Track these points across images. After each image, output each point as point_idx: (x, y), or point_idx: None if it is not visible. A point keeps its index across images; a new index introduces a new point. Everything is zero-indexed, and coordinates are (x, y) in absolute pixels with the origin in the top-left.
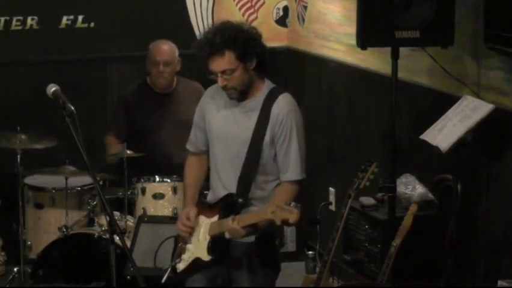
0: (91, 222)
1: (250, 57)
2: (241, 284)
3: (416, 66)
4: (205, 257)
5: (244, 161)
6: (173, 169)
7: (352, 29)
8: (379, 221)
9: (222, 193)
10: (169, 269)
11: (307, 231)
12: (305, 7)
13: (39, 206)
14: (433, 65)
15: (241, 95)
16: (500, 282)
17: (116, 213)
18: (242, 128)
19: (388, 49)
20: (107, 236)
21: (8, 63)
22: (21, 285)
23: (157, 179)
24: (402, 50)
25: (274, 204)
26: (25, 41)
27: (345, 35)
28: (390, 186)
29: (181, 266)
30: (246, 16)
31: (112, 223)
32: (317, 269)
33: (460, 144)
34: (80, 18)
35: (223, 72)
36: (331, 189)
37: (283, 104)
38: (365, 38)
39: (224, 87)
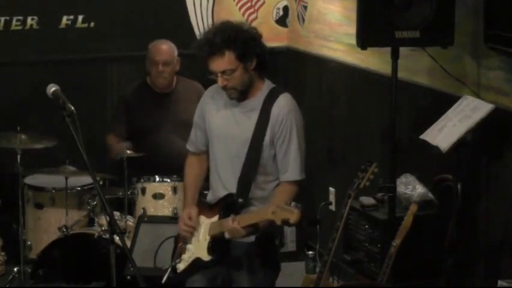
0: (91, 222)
1: (250, 57)
2: (241, 284)
3: (416, 66)
4: (205, 257)
5: (244, 161)
6: (173, 169)
7: (352, 29)
8: (379, 221)
9: (222, 193)
10: (169, 269)
11: (308, 231)
12: (305, 7)
13: (39, 206)
14: (433, 65)
15: (241, 95)
16: (500, 282)
17: (116, 213)
18: (242, 128)
19: (388, 49)
20: (107, 236)
21: (8, 63)
22: (21, 285)
23: (157, 179)
24: (402, 50)
25: (275, 204)
26: (25, 41)
27: (345, 35)
28: (390, 186)
29: (181, 266)
30: (246, 16)
31: (112, 223)
32: (317, 269)
33: (460, 144)
34: (80, 18)
35: (223, 72)
36: (331, 189)
37: (284, 104)
38: (365, 38)
39: (224, 87)
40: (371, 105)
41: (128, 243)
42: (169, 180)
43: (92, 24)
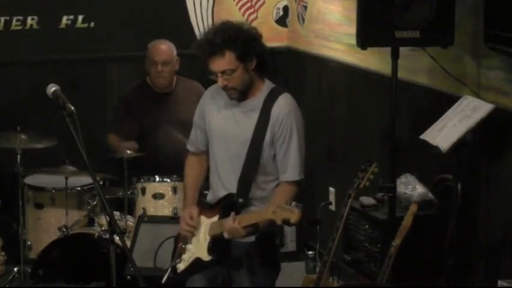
0: (91, 222)
1: (250, 58)
2: (241, 284)
3: (416, 66)
4: (206, 257)
5: (244, 161)
6: (173, 169)
7: (352, 29)
8: (379, 221)
9: (222, 193)
10: (169, 269)
11: (308, 231)
12: (305, 7)
13: (39, 206)
14: (433, 65)
15: (241, 95)
16: (500, 282)
17: (116, 213)
18: (242, 128)
19: (388, 49)
20: (107, 236)
21: (8, 63)
22: (21, 285)
23: (157, 179)
24: (402, 50)
25: (275, 204)
26: (25, 41)
27: (345, 35)
28: (390, 186)
29: (181, 266)
30: (246, 16)
31: (112, 223)
32: (317, 269)
33: (460, 144)
34: (80, 18)
35: (224, 72)
36: (331, 189)
37: (284, 104)
38: (365, 38)
39: (224, 88)
40: (371, 105)
41: (128, 243)
42: (169, 180)
43: (92, 24)
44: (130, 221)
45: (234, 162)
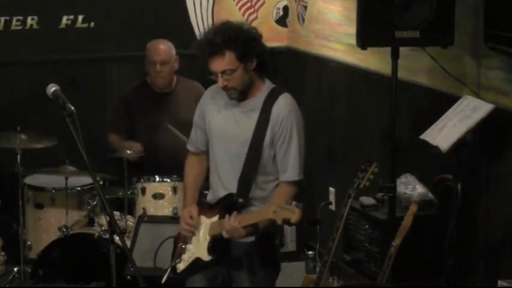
0: (91, 222)
1: (250, 58)
2: (241, 284)
3: (416, 66)
4: (206, 257)
5: (244, 161)
6: (173, 169)
7: (352, 29)
8: (379, 221)
9: (222, 193)
10: (169, 269)
11: (308, 231)
12: (305, 7)
13: (39, 206)
14: (433, 65)
15: (241, 95)
16: (500, 282)
17: (116, 213)
18: (242, 128)
19: (388, 49)
20: (107, 236)
21: (8, 63)
22: (21, 285)
23: (157, 179)
24: (402, 50)
25: (276, 204)
26: (25, 41)
27: (345, 35)
28: (390, 186)
29: (181, 266)
30: (246, 16)
31: (112, 223)
32: (317, 269)
33: (460, 144)
34: (80, 18)
35: (224, 72)
36: (331, 189)
37: (284, 104)
38: (365, 38)
39: (224, 88)
40: (371, 105)
41: (128, 243)
42: (169, 180)
43: (92, 24)
44: (130, 221)
45: (234, 162)
